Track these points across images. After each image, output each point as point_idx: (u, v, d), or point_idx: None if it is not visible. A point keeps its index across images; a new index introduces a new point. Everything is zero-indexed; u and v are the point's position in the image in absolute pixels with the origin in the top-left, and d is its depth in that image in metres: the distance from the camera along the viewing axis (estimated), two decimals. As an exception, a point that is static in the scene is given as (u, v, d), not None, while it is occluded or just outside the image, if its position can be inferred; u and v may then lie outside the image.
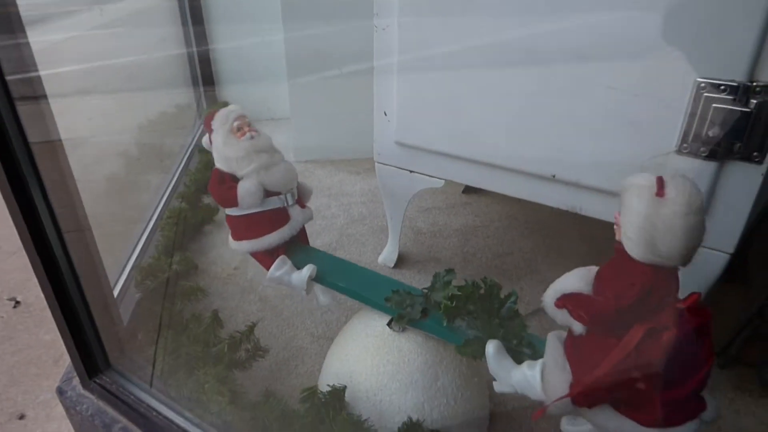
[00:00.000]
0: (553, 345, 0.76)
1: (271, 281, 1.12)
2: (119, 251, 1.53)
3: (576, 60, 1.01)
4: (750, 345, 1.15)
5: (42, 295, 1.01)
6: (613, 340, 0.68)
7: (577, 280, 0.72)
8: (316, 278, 1.10)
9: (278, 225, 1.12)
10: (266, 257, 1.13)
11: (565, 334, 0.76)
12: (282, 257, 1.11)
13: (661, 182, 0.63)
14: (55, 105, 0.98)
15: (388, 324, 1.02)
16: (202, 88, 2.53)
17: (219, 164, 1.11)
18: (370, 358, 0.99)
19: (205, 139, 1.17)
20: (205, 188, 1.90)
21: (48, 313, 1.02)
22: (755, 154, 0.91)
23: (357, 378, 0.98)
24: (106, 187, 1.93)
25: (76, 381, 1.18)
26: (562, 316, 0.72)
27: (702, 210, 0.63)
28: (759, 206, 1.01)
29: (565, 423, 0.86)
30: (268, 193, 1.10)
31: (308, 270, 1.09)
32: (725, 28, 0.86)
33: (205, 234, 1.76)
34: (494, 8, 1.06)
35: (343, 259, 1.18)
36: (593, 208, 1.12)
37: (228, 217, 1.16)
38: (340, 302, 1.43)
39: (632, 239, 0.64)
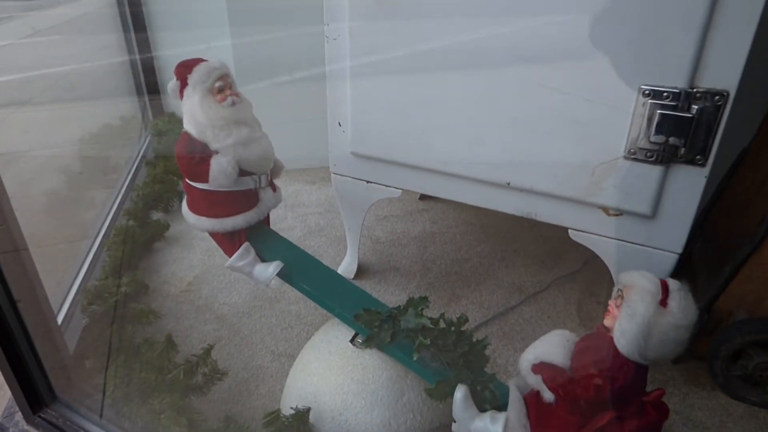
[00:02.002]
0: (517, 401, 0.80)
1: (232, 269, 1.04)
2: (62, 273, 1.44)
3: (526, 66, 1.02)
4: (700, 339, 1.20)
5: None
6: (577, 417, 0.73)
7: (556, 348, 0.76)
8: (280, 273, 1.03)
9: (245, 207, 1.02)
10: (226, 239, 1.04)
11: (523, 382, 0.80)
12: (246, 246, 1.03)
13: (666, 290, 0.69)
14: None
15: (351, 340, 1.00)
16: (147, 98, 2.43)
17: (189, 128, 0.97)
18: (333, 376, 0.97)
19: (171, 85, 0.99)
20: (153, 203, 1.82)
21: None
22: (698, 157, 0.94)
23: (321, 398, 0.96)
24: (46, 205, 1.82)
25: (19, 416, 1.11)
26: (536, 381, 0.76)
27: (693, 325, 0.68)
28: (703, 207, 1.05)
29: None
30: (241, 172, 0.99)
31: (275, 268, 1.02)
32: (666, 37, 0.89)
33: (154, 252, 1.69)
34: (443, 14, 1.06)
35: (308, 254, 1.13)
36: (547, 213, 1.14)
37: (188, 184, 1.02)
38: (300, 317, 1.40)
39: (626, 338, 0.68)
